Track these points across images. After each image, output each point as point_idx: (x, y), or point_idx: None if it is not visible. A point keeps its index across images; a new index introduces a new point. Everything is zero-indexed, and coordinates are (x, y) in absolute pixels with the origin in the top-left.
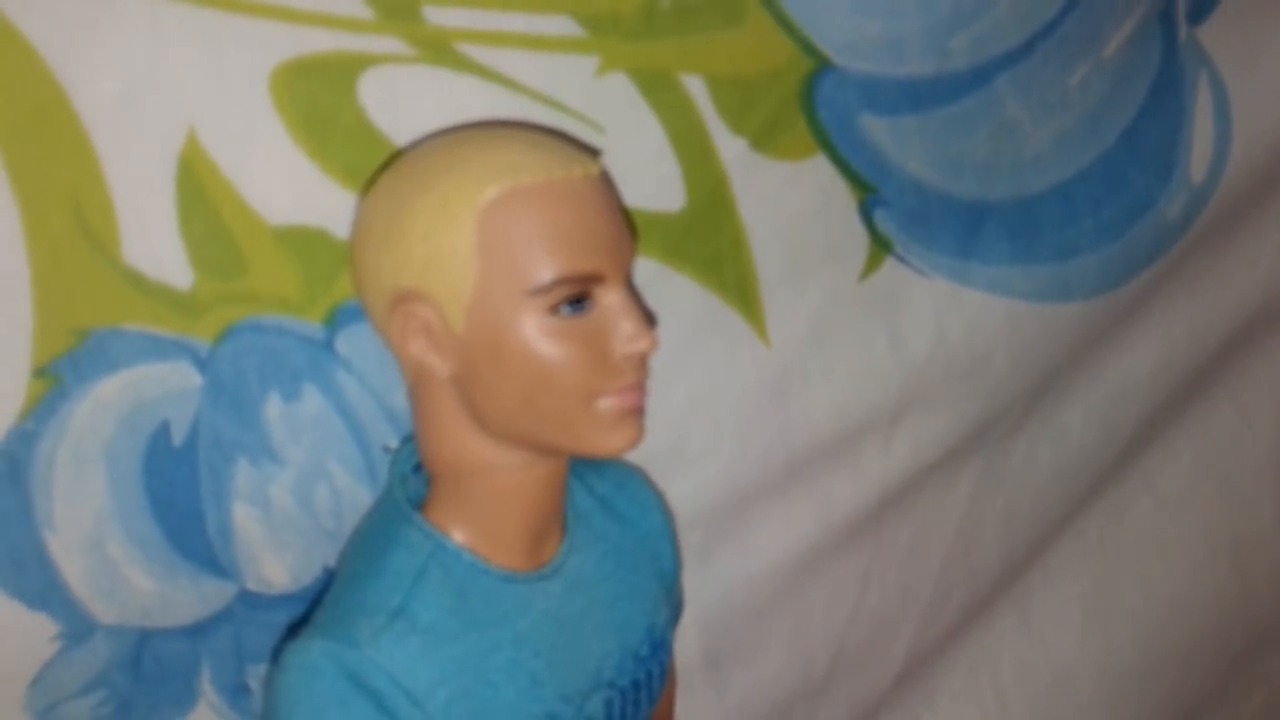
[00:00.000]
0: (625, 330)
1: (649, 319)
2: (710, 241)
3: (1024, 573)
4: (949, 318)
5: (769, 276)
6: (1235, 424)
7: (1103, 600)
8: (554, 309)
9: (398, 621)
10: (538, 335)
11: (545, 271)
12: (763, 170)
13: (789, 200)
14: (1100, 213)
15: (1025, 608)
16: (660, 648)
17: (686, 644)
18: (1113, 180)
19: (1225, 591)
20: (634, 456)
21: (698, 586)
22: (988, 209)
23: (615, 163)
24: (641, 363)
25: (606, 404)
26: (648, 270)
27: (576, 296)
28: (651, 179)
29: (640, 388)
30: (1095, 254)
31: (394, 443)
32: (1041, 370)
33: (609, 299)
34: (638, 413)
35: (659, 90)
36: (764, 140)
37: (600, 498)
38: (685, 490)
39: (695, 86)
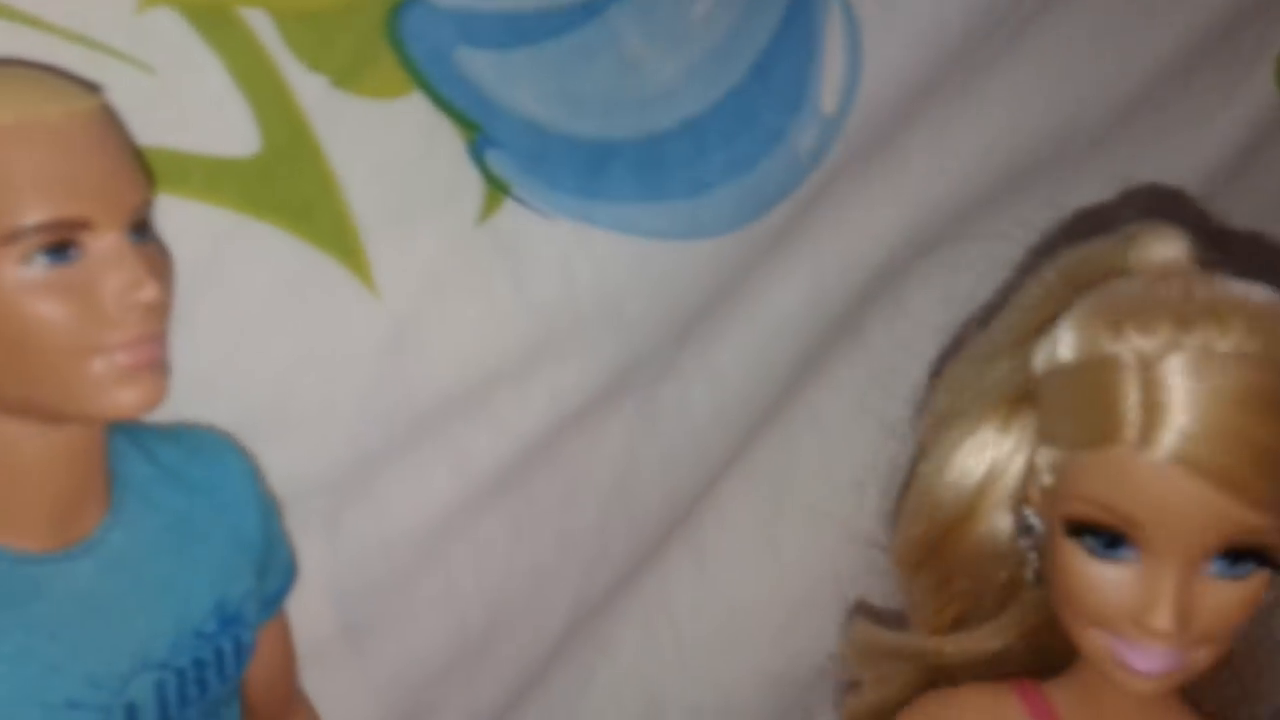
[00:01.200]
0: (119, 280)
1: (158, 266)
2: (296, 188)
3: (694, 514)
4: (576, 260)
5: (371, 223)
6: (891, 353)
7: (774, 534)
8: (28, 258)
9: None
10: (15, 288)
11: (11, 217)
12: (350, 110)
13: (385, 141)
14: (731, 147)
15: (699, 549)
16: (234, 623)
17: (320, 615)
18: (743, 114)
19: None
20: (231, 421)
21: (328, 555)
22: (613, 147)
23: (172, 105)
24: (148, 314)
25: (106, 361)
26: (225, 221)
27: (57, 244)
28: (217, 122)
29: (152, 341)
30: (727, 189)
31: None
32: (681, 309)
33: (101, 246)
34: (151, 368)
35: (214, 25)
36: (348, 78)
37: (165, 466)
38: (298, 454)
39: (258, 20)
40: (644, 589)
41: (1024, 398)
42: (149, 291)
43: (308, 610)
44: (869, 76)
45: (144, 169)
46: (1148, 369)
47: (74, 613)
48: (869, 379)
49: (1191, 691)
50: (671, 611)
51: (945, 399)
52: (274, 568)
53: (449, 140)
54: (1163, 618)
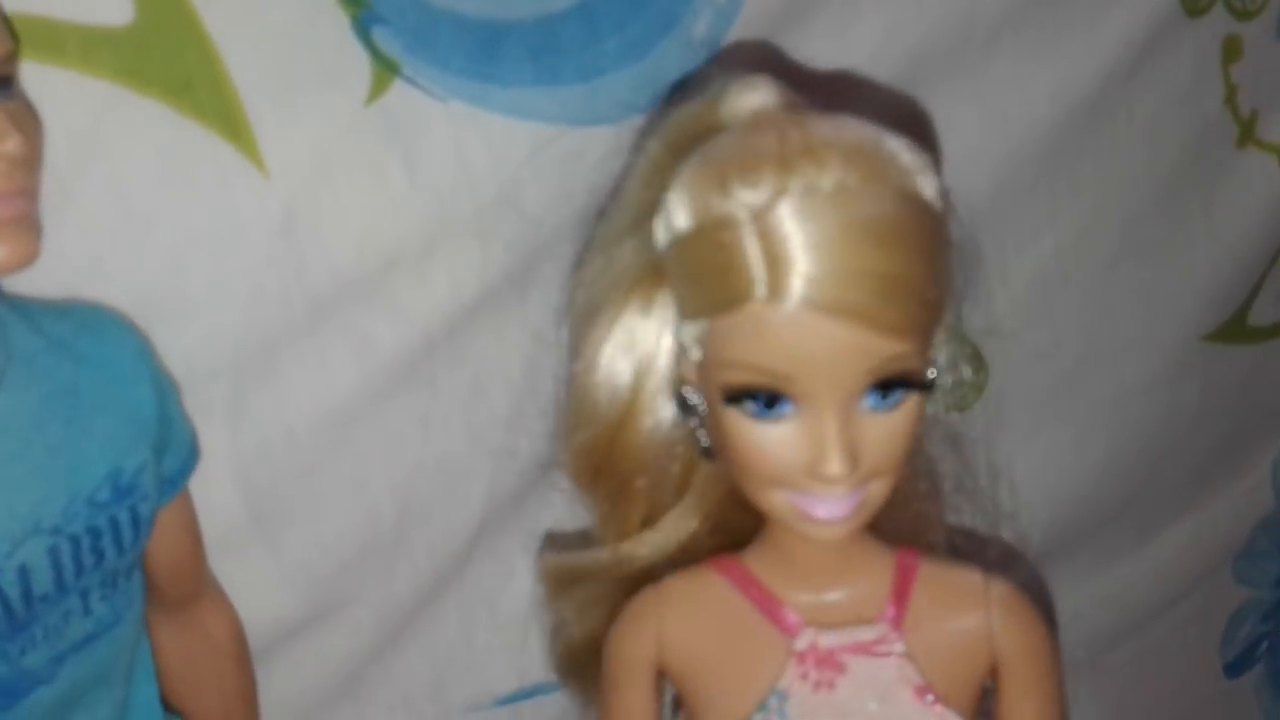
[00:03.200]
0: None
1: (21, 120)
2: (175, 60)
3: None
4: (469, 143)
5: (256, 100)
6: None
7: None
8: None
9: None
10: None
11: None
12: None
13: (265, 15)
14: (623, 31)
15: None
16: (129, 494)
17: (227, 502)
18: None
19: None
20: (123, 300)
21: (230, 440)
22: (505, 28)
23: None
24: (12, 168)
25: None
26: (101, 92)
27: None
28: None
29: (17, 196)
30: (621, 74)
31: None
32: (580, 198)
33: None
34: (19, 223)
35: None
36: None
37: (53, 339)
38: (196, 336)
39: None
40: (561, 480)
41: (655, 277)
42: (11, 143)
43: (214, 497)
44: None
45: (4, 24)
46: (760, 221)
47: None
48: None
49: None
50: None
51: (581, 295)
52: (172, 447)
53: (333, 16)
54: (833, 463)
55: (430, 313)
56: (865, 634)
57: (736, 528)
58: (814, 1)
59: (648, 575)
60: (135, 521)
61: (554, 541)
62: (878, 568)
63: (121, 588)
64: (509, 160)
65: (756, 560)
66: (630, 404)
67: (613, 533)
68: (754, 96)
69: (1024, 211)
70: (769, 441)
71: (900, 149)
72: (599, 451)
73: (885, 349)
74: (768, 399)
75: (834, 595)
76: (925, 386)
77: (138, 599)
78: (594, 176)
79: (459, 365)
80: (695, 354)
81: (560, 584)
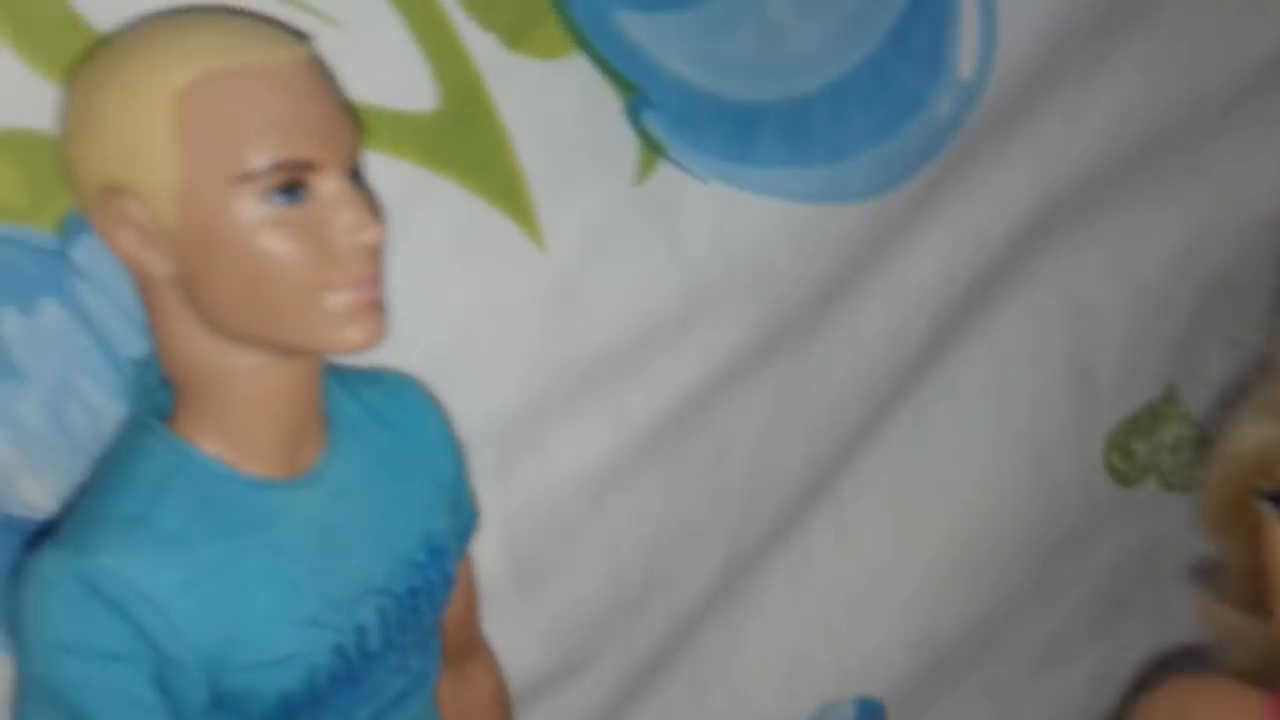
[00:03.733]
0: (345, 220)
1: (375, 210)
2: (472, 143)
3: (834, 478)
4: (727, 222)
5: (539, 180)
6: (1027, 324)
7: (912, 504)
8: (266, 197)
9: (136, 529)
10: (251, 225)
11: (253, 156)
12: (518, 69)
13: (551, 101)
14: (871, 113)
15: (838, 514)
16: (441, 555)
17: (493, 560)
18: (882, 79)
19: (1031, 492)
20: (414, 367)
21: (499, 502)
22: (760, 110)
23: (357, 60)
24: (370, 255)
25: (337, 299)
26: (405, 174)
27: (289, 184)
28: (398, 77)
29: (373, 281)
30: (868, 154)
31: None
32: (825, 274)
33: (327, 188)
34: (373, 308)
35: None
36: (515, 37)
37: (369, 406)
38: (474, 403)
39: None
40: (790, 552)
41: None
42: (373, 232)
43: (482, 555)
44: (1005, 44)
45: (355, 115)
46: None
47: (308, 537)
48: (1004, 349)
49: None
50: (815, 575)
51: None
52: (464, 509)
53: (608, 101)
54: None
55: (682, 383)
56: None
57: None
58: (1051, 84)
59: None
60: (445, 581)
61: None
62: None
63: (429, 645)
64: (761, 237)
65: None
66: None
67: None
68: None
69: None
70: None
71: None
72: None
73: None
74: None
75: None
76: None
77: (439, 656)
78: (841, 251)
79: (704, 433)
80: None
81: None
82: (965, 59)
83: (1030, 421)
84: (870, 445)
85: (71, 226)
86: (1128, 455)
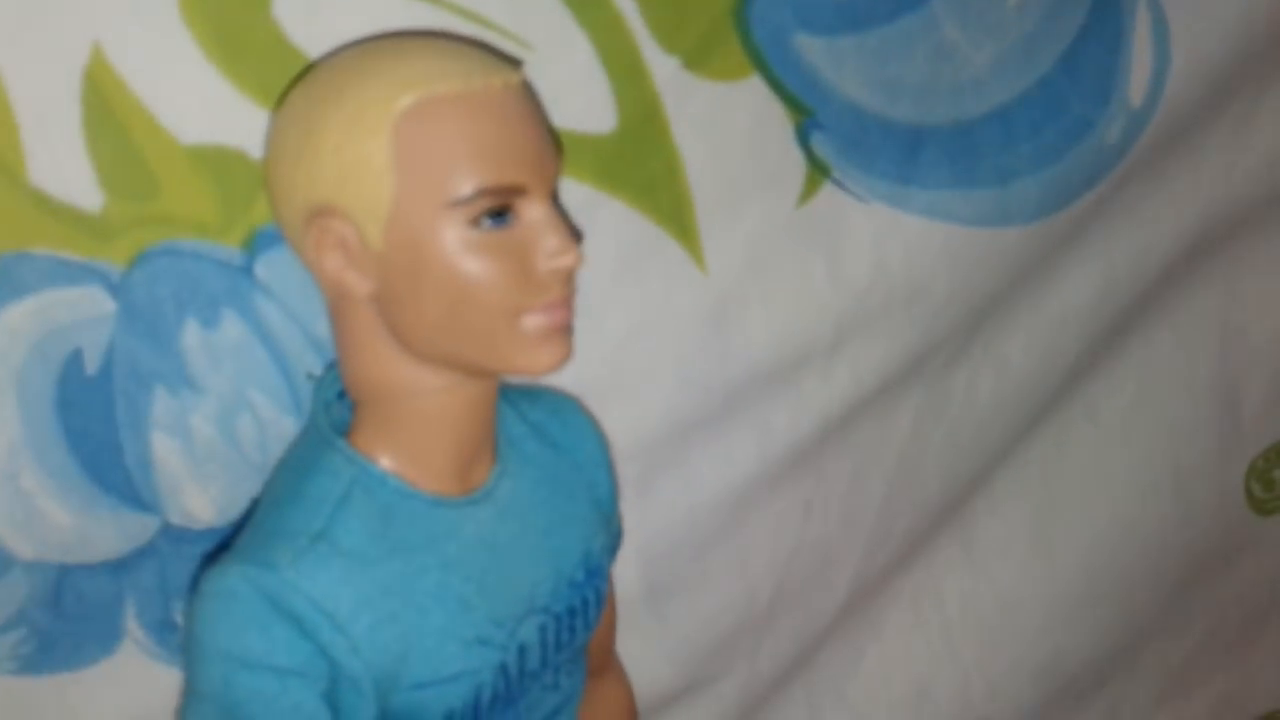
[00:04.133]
0: (549, 245)
1: (575, 234)
2: (644, 165)
3: (967, 502)
4: (888, 244)
5: (705, 202)
6: (1175, 351)
7: (1045, 529)
8: (475, 221)
9: (319, 545)
10: (458, 249)
11: (465, 182)
12: (696, 91)
13: (724, 123)
14: (1039, 136)
15: (968, 538)
16: (596, 574)
17: (627, 576)
18: (1051, 103)
19: (1167, 519)
20: (570, 384)
21: (638, 518)
22: (926, 133)
23: (543, 82)
24: (568, 279)
25: (532, 321)
26: (579, 195)
27: (498, 209)
28: (581, 99)
29: (567, 304)
30: (1034, 178)
31: (318, 371)
32: (981, 297)
33: (532, 213)
34: (565, 330)
35: (588, 5)
36: (697, 60)
37: (533, 424)
38: (623, 420)
39: (625, 3)
40: (915, 575)
41: None
42: (572, 256)
43: (617, 570)
44: (1176, 70)
45: (558, 140)
46: None
47: (479, 555)
48: (1149, 377)
49: None
50: (941, 599)
51: None
52: (614, 526)
53: (780, 123)
54: None
55: (828, 404)
56: None
57: None
58: (1217, 110)
59: None
60: (599, 600)
61: None
62: None
63: (579, 662)
64: (922, 260)
65: None
66: None
67: None
68: None
69: None
70: None
71: None
72: None
73: None
74: None
75: None
76: None
77: (585, 673)
78: (999, 274)
79: (843, 454)
80: None
81: None
82: (1136, 84)
83: (1171, 448)
84: (1007, 469)
85: (258, 242)
86: (1268, 484)
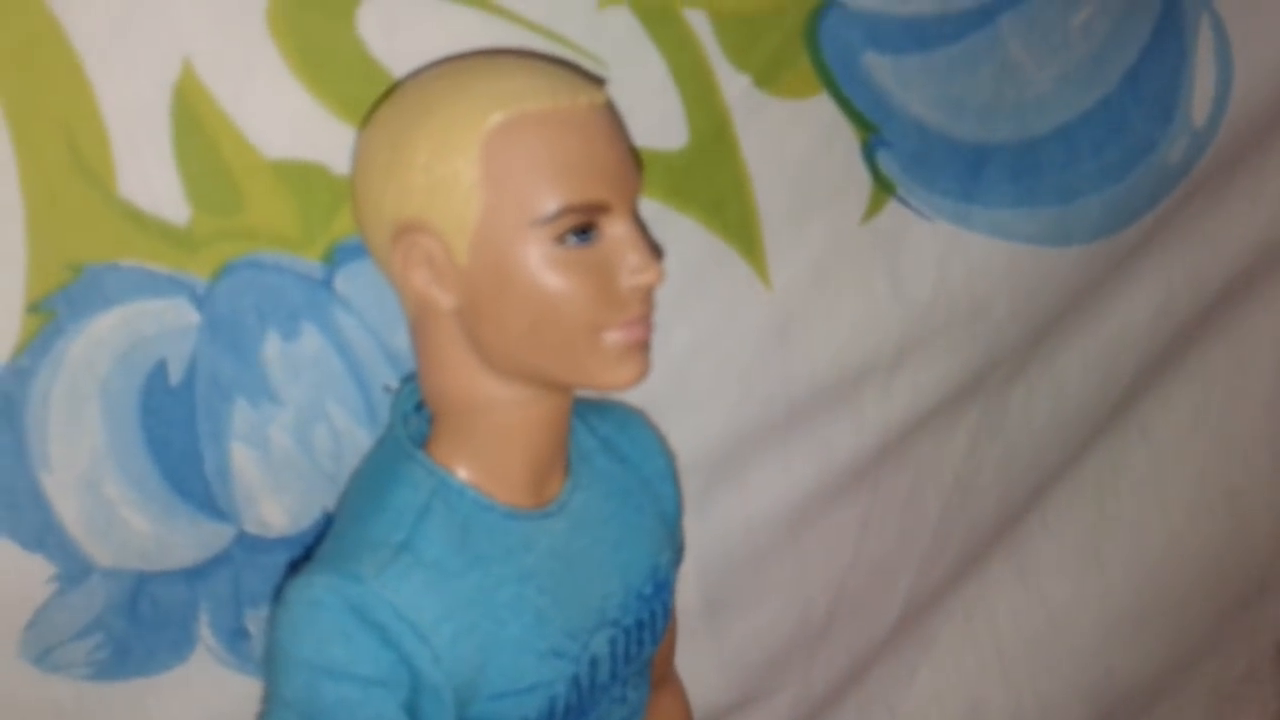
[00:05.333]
0: (632, 262)
1: (656, 251)
2: (712, 181)
3: (1021, 520)
4: (950, 261)
5: (771, 218)
6: (1232, 372)
7: (1098, 548)
8: (560, 239)
9: (402, 556)
10: (543, 265)
11: (552, 200)
12: (766, 108)
13: (792, 140)
14: (1102, 155)
15: (1021, 556)
16: (663, 588)
17: (686, 589)
18: (1114, 122)
19: (1221, 540)
20: (636, 398)
21: (697, 532)
22: (990, 151)
23: (617, 99)
24: (647, 296)
25: (612, 337)
26: (650, 210)
27: (583, 226)
28: (653, 115)
29: (646, 321)
30: (1096, 197)
31: (394, 383)
32: (1041, 315)
33: (615, 230)
34: (643, 347)
35: (662, 24)
36: (767, 78)
37: (602, 438)
38: (686, 434)
39: (698, 21)
40: (967, 592)
41: None
42: (654, 274)
43: (678, 582)
44: (1238, 90)
45: (639, 157)
46: None
47: (553, 567)
48: (1205, 397)
49: None
50: (993, 617)
51: None
52: (678, 539)
53: (846, 140)
54: None
55: (887, 421)
56: None
57: None
58: (1276, 132)
59: None
60: (666, 614)
61: None
62: None
63: (645, 675)
64: (983, 277)
65: None
66: None
67: None
68: None
69: None
70: None
71: None
72: None
73: None
74: None
75: None
76: None
77: (649, 686)
78: (1059, 293)
79: (901, 470)
80: None
81: None
82: (1199, 104)
83: (1226, 468)
84: (1062, 487)
85: (338, 256)
86: None
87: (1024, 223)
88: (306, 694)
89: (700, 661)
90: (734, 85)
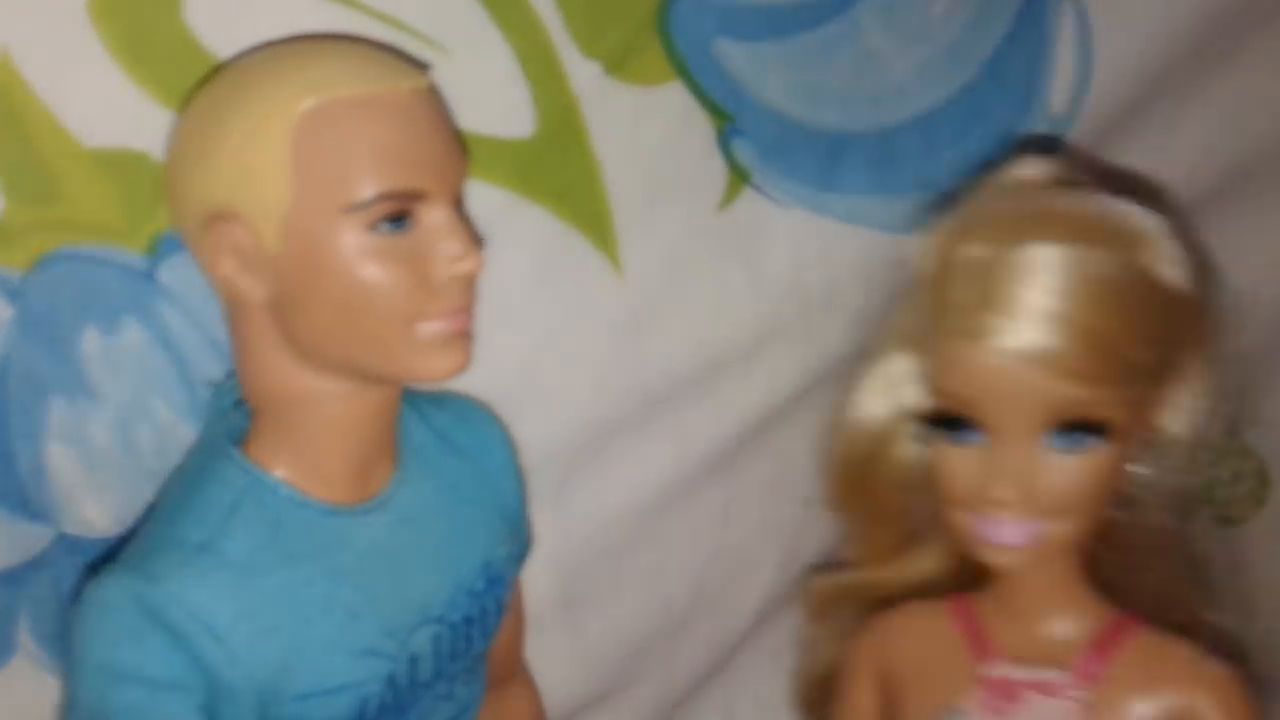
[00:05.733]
0: (449, 250)
1: (476, 240)
2: (562, 170)
3: None
4: (807, 249)
5: (623, 207)
6: None
7: None
8: (373, 226)
9: (203, 556)
10: (355, 254)
11: (363, 187)
12: (616, 96)
13: (644, 128)
14: (961, 143)
15: None
16: (497, 583)
17: (541, 583)
18: (974, 111)
19: None
20: (484, 391)
21: (553, 525)
22: (848, 139)
23: (461, 86)
24: (467, 285)
25: (429, 327)
26: (498, 200)
27: (397, 214)
28: (500, 104)
29: (466, 311)
30: (955, 185)
31: (221, 378)
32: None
33: (432, 218)
34: (463, 337)
35: (506, 9)
36: (617, 65)
37: (438, 431)
38: (539, 426)
39: (545, 7)
40: None
41: (917, 322)
42: (473, 262)
43: (528, 577)
44: (1099, 76)
45: (463, 146)
46: (980, 269)
47: (371, 565)
48: None
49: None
50: None
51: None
52: (521, 535)
53: (700, 128)
54: (1001, 487)
55: (746, 410)
56: (1051, 675)
57: (981, 569)
58: (1140, 117)
59: (895, 603)
60: (499, 609)
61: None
62: (1085, 619)
63: (476, 672)
64: (841, 265)
65: (985, 603)
66: (881, 437)
67: (863, 552)
68: (1024, 169)
69: None
70: (957, 463)
71: (1133, 223)
72: (853, 471)
73: (1063, 391)
74: (959, 424)
75: (1037, 635)
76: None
77: (484, 682)
78: None
79: (763, 459)
80: (926, 386)
81: (821, 605)
82: (1059, 92)
83: None
84: None
85: (162, 247)
86: None
87: (881, 210)
88: (97, 697)
89: (557, 655)
90: (583, 72)
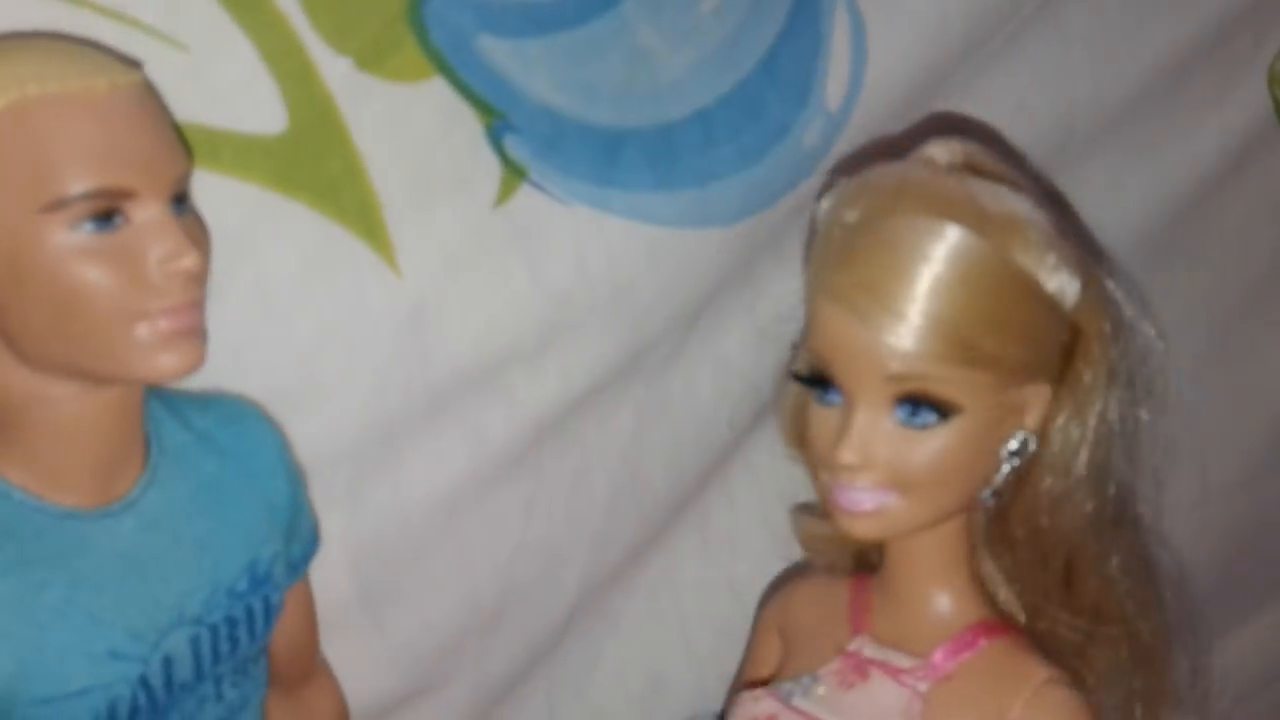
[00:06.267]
0: (162, 249)
1: (196, 237)
2: (322, 166)
3: (701, 495)
4: (589, 245)
5: (394, 204)
6: None
7: (772, 516)
8: (75, 225)
9: None
10: (59, 255)
11: (60, 185)
12: (374, 92)
13: (407, 124)
14: (738, 138)
15: (703, 529)
16: (263, 583)
17: (339, 582)
18: (751, 106)
19: None
20: (259, 392)
21: (348, 524)
22: (625, 135)
23: (202, 83)
24: (188, 282)
25: (150, 326)
26: (252, 197)
27: (103, 212)
28: (246, 101)
29: (192, 308)
30: (734, 180)
31: None
32: (690, 296)
33: (144, 216)
34: (191, 334)
35: (245, 6)
36: (371, 61)
37: (199, 432)
38: (322, 426)
39: (286, 3)
40: (650, 568)
41: None
42: (190, 260)
43: (328, 579)
44: (873, 74)
45: (183, 143)
46: (847, 234)
47: (115, 568)
48: None
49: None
50: (677, 591)
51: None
52: (299, 534)
53: (468, 124)
54: (843, 451)
55: (541, 404)
56: (901, 661)
57: None
58: (917, 114)
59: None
60: (268, 610)
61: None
62: (956, 615)
63: (250, 673)
64: (625, 260)
65: (877, 584)
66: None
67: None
68: (931, 149)
69: None
70: (817, 423)
71: (1012, 215)
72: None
73: (900, 362)
74: (821, 383)
75: (906, 620)
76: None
77: (262, 682)
78: (705, 274)
79: (564, 454)
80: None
81: (808, 541)
82: (833, 88)
83: None
84: (737, 459)
85: None
86: None
87: (663, 206)
88: None
89: (361, 654)
90: (335, 68)
